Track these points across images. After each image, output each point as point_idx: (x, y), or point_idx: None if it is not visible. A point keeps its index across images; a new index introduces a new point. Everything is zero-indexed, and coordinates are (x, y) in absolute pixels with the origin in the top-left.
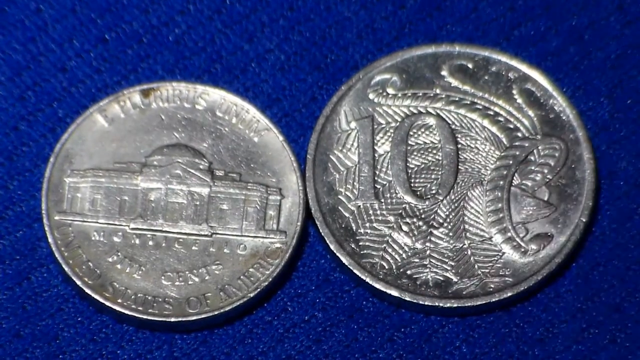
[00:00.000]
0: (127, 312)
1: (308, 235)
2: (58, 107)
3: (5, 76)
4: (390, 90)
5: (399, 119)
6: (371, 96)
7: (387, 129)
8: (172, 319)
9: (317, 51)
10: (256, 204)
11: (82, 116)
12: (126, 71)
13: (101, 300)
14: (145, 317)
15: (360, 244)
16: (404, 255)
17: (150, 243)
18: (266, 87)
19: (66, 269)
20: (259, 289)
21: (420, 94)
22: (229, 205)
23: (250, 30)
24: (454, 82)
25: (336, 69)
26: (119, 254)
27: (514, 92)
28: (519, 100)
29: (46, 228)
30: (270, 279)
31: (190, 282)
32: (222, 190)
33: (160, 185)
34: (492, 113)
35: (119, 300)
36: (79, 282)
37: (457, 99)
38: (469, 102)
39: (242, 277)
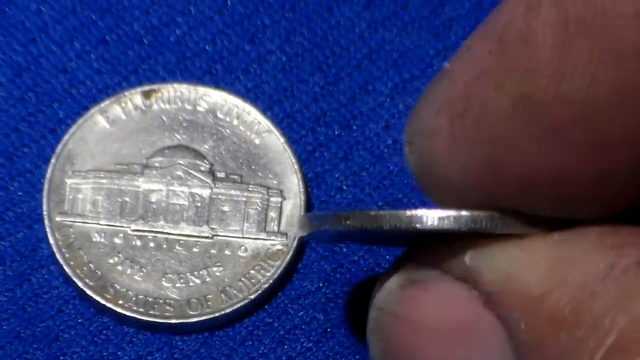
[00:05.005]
0: (128, 313)
1: None
2: (59, 108)
3: (5, 77)
4: None
5: None
6: None
7: None
8: (173, 321)
9: (319, 52)
10: (257, 206)
11: (83, 117)
12: (127, 72)
13: (102, 301)
14: (146, 318)
15: None
16: None
17: (151, 244)
18: (267, 88)
19: (67, 270)
20: (259, 291)
21: None
22: (230, 207)
23: (251, 31)
24: None
25: (338, 69)
26: (120, 255)
27: None
28: None
29: (47, 229)
30: (271, 281)
31: (191, 284)
32: (223, 192)
33: (162, 187)
34: None
35: (120, 302)
36: (80, 284)
37: None
38: None
39: (243, 278)
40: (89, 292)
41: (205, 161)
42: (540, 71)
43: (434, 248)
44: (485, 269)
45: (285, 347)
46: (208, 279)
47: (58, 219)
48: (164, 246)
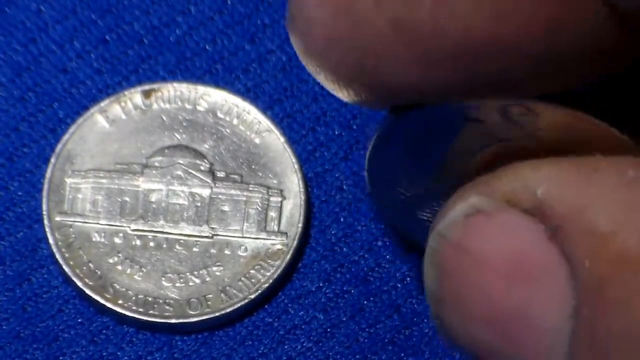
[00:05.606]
0: (127, 313)
1: (309, 236)
2: (59, 108)
3: (5, 77)
4: None
5: None
6: None
7: None
8: (173, 320)
9: None
10: (257, 206)
11: (83, 117)
12: (127, 72)
13: (102, 301)
14: (145, 318)
15: None
16: None
17: (151, 244)
18: (267, 87)
19: (67, 270)
20: (259, 291)
21: None
22: (230, 207)
23: (251, 30)
24: None
25: None
26: (120, 255)
27: None
28: None
29: (47, 229)
30: (271, 281)
31: (191, 284)
32: (223, 192)
33: (162, 187)
34: None
35: (120, 302)
36: (79, 283)
37: None
38: None
39: (243, 278)
40: (88, 291)
41: (205, 161)
42: (421, 2)
43: (503, 178)
44: (556, 201)
45: (286, 347)
46: (208, 279)
47: (58, 218)
48: (164, 246)
